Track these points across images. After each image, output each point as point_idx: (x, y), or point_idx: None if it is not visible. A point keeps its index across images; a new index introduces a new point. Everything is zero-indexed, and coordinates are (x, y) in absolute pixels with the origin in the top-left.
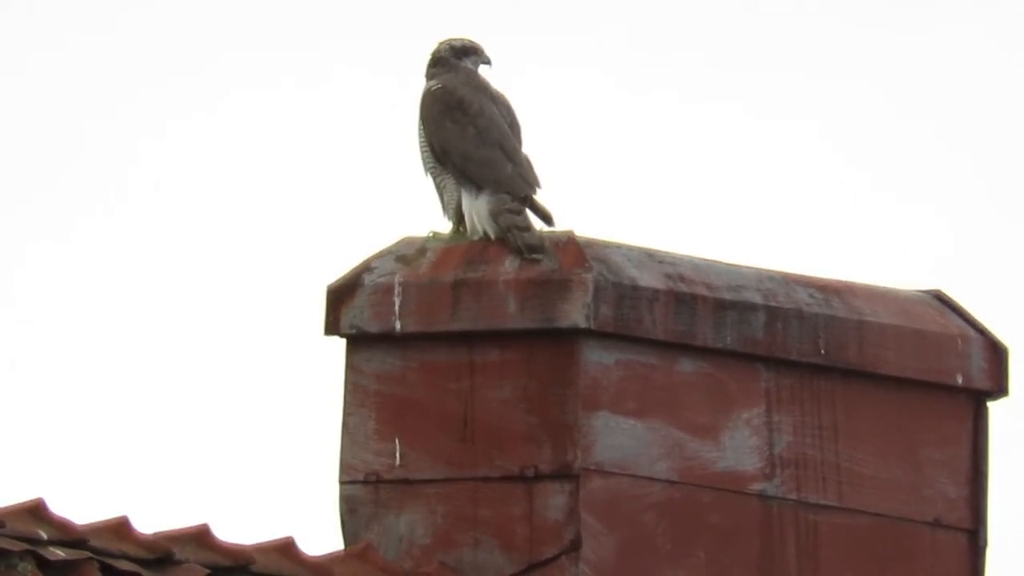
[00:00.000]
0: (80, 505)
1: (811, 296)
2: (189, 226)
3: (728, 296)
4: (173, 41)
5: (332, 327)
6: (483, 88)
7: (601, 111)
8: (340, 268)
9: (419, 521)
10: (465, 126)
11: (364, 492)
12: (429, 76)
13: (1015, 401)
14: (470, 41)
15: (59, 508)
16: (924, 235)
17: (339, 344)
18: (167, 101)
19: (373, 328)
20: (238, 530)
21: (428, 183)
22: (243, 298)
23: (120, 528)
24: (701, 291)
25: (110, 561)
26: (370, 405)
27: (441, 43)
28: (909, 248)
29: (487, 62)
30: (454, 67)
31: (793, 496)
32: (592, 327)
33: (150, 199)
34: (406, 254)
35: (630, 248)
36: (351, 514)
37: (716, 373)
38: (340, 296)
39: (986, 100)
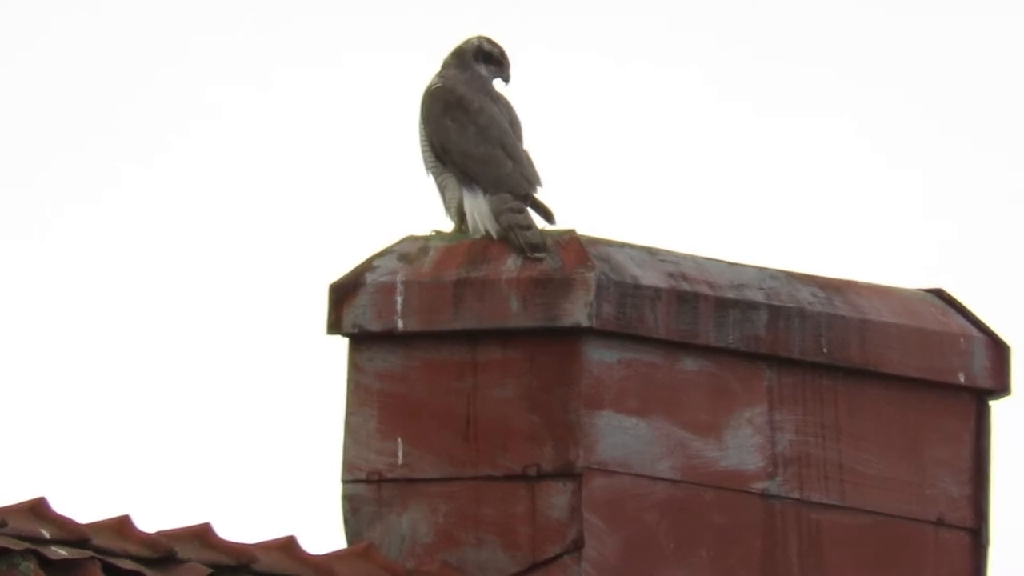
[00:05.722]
0: (82, 503)
1: (813, 294)
2: (191, 224)
3: (730, 295)
4: (174, 40)
5: (334, 326)
6: (483, 88)
7: (603, 108)
8: (342, 267)
9: (421, 520)
10: (465, 124)
11: (366, 491)
12: (443, 65)
13: (1018, 400)
14: (501, 51)
15: (61, 507)
16: (926, 233)
17: (341, 343)
18: (168, 99)
19: (375, 327)
20: (240, 529)
21: (430, 182)
22: (245, 297)
23: (122, 527)
24: (703, 290)
25: (112, 560)
26: (372, 404)
27: (472, 38)
28: (911, 246)
29: (505, 79)
30: (464, 66)
31: (795, 495)
32: (594, 326)
33: (152, 197)
34: (408, 253)
35: (632, 246)
36: (353, 513)
37: (718, 372)
38: (342, 295)
39: (989, 97)
